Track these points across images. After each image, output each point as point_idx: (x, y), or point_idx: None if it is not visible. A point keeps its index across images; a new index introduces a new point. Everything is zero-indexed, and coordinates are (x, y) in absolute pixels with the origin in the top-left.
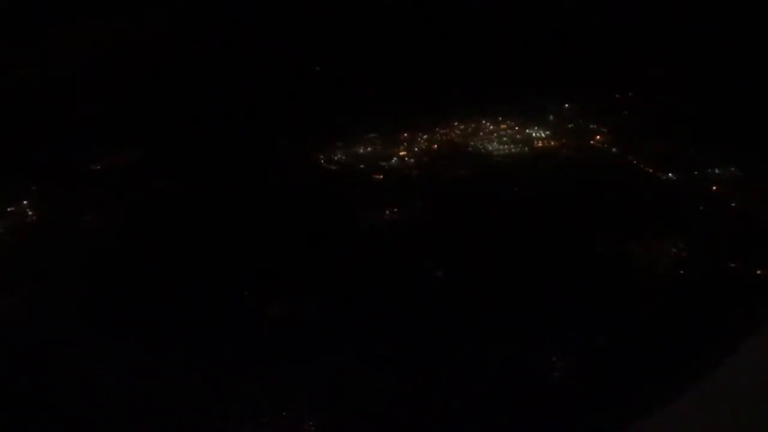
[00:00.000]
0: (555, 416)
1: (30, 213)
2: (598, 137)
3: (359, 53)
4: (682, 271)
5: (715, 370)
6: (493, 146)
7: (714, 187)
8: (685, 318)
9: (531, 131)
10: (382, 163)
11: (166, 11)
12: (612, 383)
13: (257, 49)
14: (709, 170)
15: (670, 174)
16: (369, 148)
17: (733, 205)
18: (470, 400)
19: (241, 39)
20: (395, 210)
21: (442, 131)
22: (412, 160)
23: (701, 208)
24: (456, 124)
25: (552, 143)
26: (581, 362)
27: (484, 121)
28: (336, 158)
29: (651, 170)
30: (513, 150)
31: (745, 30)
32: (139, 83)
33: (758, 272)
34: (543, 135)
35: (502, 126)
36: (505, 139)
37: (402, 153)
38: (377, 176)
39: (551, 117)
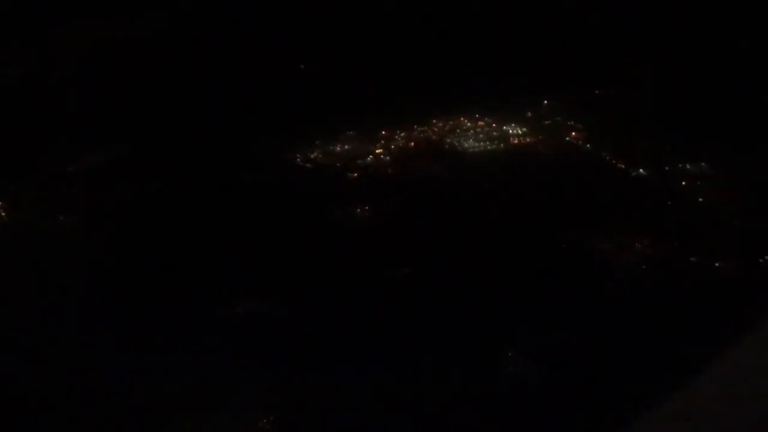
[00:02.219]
0: (515, 416)
1: (3, 214)
2: (573, 134)
3: (340, 51)
4: (644, 266)
5: (681, 367)
6: (468, 143)
7: (683, 183)
8: (648, 314)
9: (508, 128)
10: (359, 161)
11: (144, 13)
12: (573, 381)
13: (236, 47)
14: (680, 166)
15: (641, 170)
16: (347, 146)
17: (700, 200)
18: (430, 398)
19: (220, 38)
20: (366, 208)
21: (420, 128)
22: (387, 157)
23: (669, 203)
24: (435, 121)
25: (528, 140)
26: (542, 360)
27: (462, 119)
28: (312, 156)
29: (623, 166)
30: (488, 147)
31: (718, 28)
32: (112, 84)
33: (717, 265)
34: (519, 132)
35: (480, 123)
36: (481, 136)
37: (378, 151)
38: (352, 174)
39: (529, 114)
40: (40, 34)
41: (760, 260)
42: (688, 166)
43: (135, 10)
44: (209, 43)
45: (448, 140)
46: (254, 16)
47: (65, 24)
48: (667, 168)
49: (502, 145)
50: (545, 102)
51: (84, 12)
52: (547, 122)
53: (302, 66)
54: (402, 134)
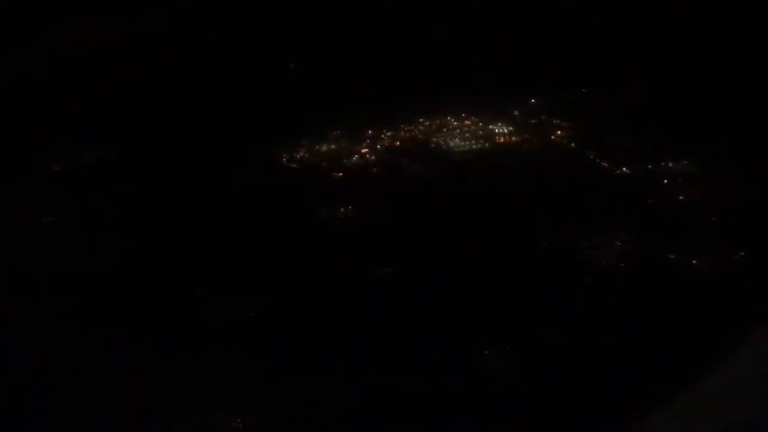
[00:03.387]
0: (494, 414)
1: None
2: (559, 132)
3: (328, 51)
4: (622, 264)
5: (659, 364)
6: (454, 142)
7: (665, 181)
8: (625, 312)
9: (494, 127)
10: (344, 161)
11: (132, 14)
12: (553, 379)
13: (225, 49)
14: (663, 164)
15: (624, 168)
16: (333, 146)
17: (681, 198)
18: (409, 397)
19: (209, 40)
20: (350, 207)
21: (407, 128)
22: (373, 157)
23: (650, 201)
24: (422, 120)
25: (513, 139)
26: (521, 357)
27: (449, 117)
28: (298, 156)
29: (606, 165)
30: (474, 146)
31: (705, 28)
32: (101, 85)
33: (694, 262)
34: (505, 131)
35: (467, 122)
36: (467, 135)
37: (364, 150)
38: (337, 174)
39: (516, 113)
40: (29, 35)
41: (736, 257)
42: (671, 165)
43: (124, 12)
44: (199, 44)
45: (434, 139)
46: (242, 18)
47: (55, 24)
48: (650, 166)
49: (487, 144)
50: (532, 101)
51: (72, 13)
52: (533, 121)
53: (293, 65)
54: (388, 133)
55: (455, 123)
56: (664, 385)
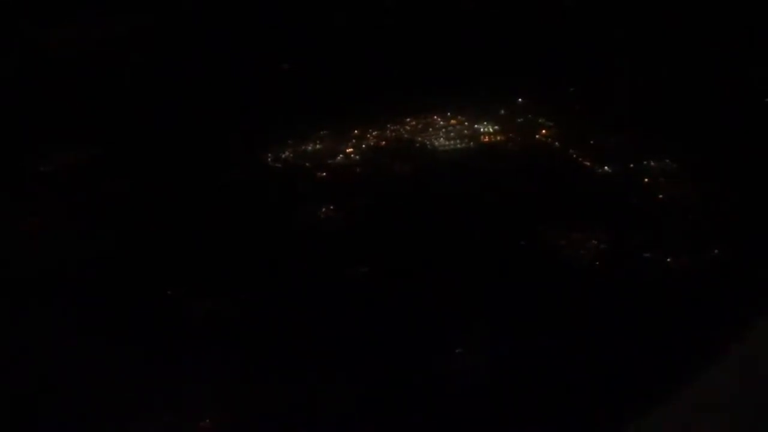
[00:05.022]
0: (463, 414)
1: None
2: (544, 131)
3: (316, 51)
4: (597, 263)
5: (633, 361)
6: (439, 142)
7: (646, 180)
8: (599, 310)
9: (480, 126)
10: (328, 161)
11: (117, 15)
12: (527, 377)
13: (212, 49)
14: (645, 163)
15: (606, 167)
16: (318, 145)
17: (660, 196)
18: (374, 401)
19: (195, 40)
20: (331, 207)
21: (393, 127)
22: (357, 157)
23: (630, 200)
24: (409, 119)
25: (498, 138)
26: (496, 356)
27: (436, 117)
28: (284, 156)
29: (589, 163)
30: (459, 145)
31: (687, 30)
32: (87, 85)
33: (669, 260)
34: (491, 130)
35: (453, 121)
36: (452, 134)
37: (349, 150)
38: (320, 174)
39: (503, 112)
40: (15, 36)
41: (710, 255)
42: (652, 163)
43: (108, 13)
44: (185, 44)
45: (419, 139)
46: (230, 18)
47: (41, 26)
48: (632, 165)
49: (471, 143)
50: (520, 100)
51: (58, 14)
52: (519, 120)
53: (285, 66)
54: (374, 133)
55: (441, 122)
56: (641, 382)
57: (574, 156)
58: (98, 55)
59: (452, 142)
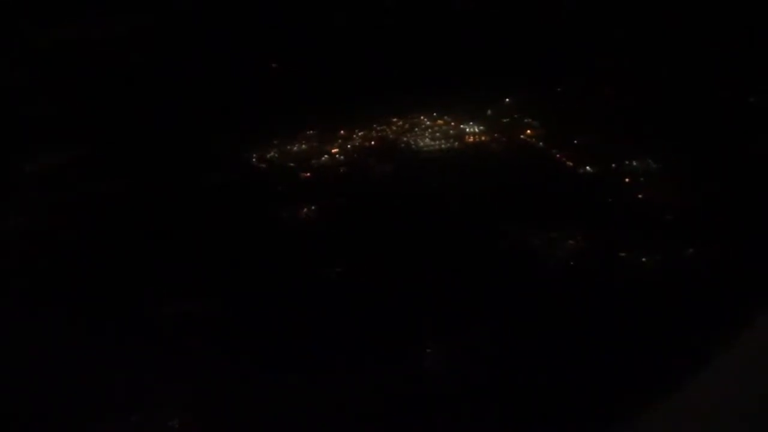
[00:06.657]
0: (433, 414)
1: None
2: (528, 132)
3: (303, 51)
4: (572, 262)
5: (611, 364)
6: (424, 142)
7: (626, 180)
8: (573, 310)
9: (465, 126)
10: (313, 161)
11: (104, 15)
12: (494, 378)
13: (198, 48)
14: (627, 163)
15: (588, 167)
16: (304, 146)
17: (639, 197)
18: (349, 396)
19: (181, 40)
20: (312, 207)
21: (379, 128)
22: (342, 157)
23: (609, 200)
24: (395, 120)
25: (483, 138)
26: (462, 357)
27: (422, 117)
28: (268, 156)
29: (571, 164)
30: (443, 145)
31: (671, 32)
32: (71, 85)
33: (644, 260)
34: (476, 130)
35: (439, 122)
36: (437, 134)
37: (334, 150)
38: (304, 174)
39: (489, 112)
40: (15, 36)
41: (685, 254)
42: (634, 163)
43: (95, 13)
44: (170, 44)
45: (404, 139)
46: (217, 18)
47: (26, 26)
48: (614, 165)
49: (456, 143)
50: (506, 100)
51: (45, 14)
52: (505, 120)
53: (275, 65)
54: (360, 133)
55: (427, 122)
56: (612, 383)
57: (557, 156)
58: (85, 55)
59: (437, 142)
